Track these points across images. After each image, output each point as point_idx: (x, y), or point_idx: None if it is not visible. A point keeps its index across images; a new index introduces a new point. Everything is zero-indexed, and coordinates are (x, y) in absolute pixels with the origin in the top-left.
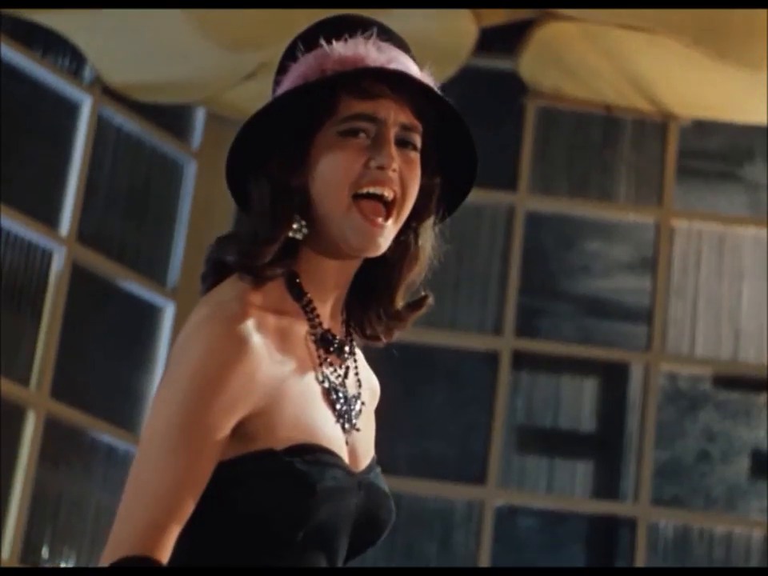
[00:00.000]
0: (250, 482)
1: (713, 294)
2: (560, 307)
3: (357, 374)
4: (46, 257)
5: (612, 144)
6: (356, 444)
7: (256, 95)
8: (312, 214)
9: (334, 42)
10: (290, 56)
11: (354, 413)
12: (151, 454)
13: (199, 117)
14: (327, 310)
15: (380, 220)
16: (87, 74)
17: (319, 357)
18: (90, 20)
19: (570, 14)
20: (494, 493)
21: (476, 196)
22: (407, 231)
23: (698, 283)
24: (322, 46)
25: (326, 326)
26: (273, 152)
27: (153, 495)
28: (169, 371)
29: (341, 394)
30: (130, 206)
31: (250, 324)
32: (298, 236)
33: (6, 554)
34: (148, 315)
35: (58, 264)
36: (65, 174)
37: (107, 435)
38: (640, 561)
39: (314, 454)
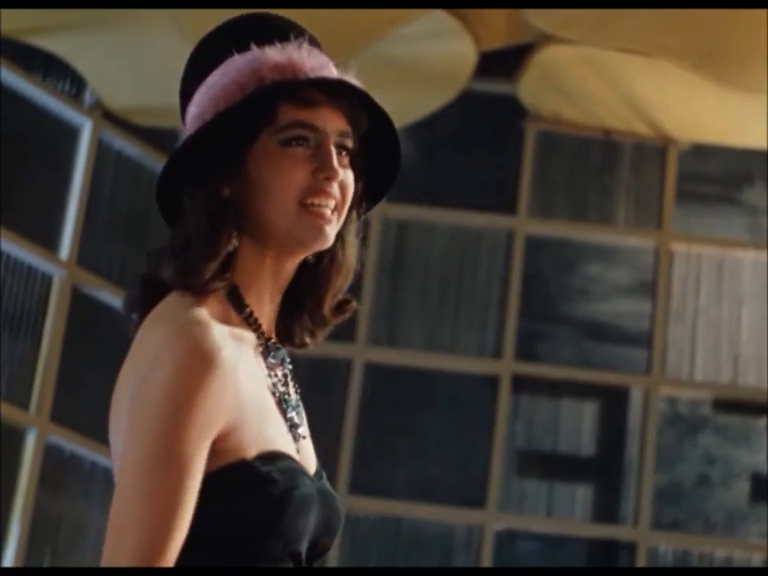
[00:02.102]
0: (226, 494)
1: (712, 318)
2: (559, 331)
3: (292, 378)
4: (46, 280)
5: (611, 168)
6: (303, 451)
7: None
8: (249, 221)
9: (265, 47)
10: (206, 58)
11: (299, 419)
12: (136, 483)
13: None
14: (265, 317)
15: (327, 213)
16: (87, 97)
17: (268, 367)
18: (90, 44)
19: (569, 38)
20: (493, 517)
21: (475, 220)
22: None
23: (698, 307)
24: (250, 49)
25: (267, 334)
26: (206, 163)
27: (145, 526)
28: (137, 397)
29: (289, 404)
30: (130, 229)
31: (215, 339)
32: (230, 248)
33: None
34: None
35: (57, 288)
36: (65, 197)
37: (106, 458)
38: None
39: (283, 461)
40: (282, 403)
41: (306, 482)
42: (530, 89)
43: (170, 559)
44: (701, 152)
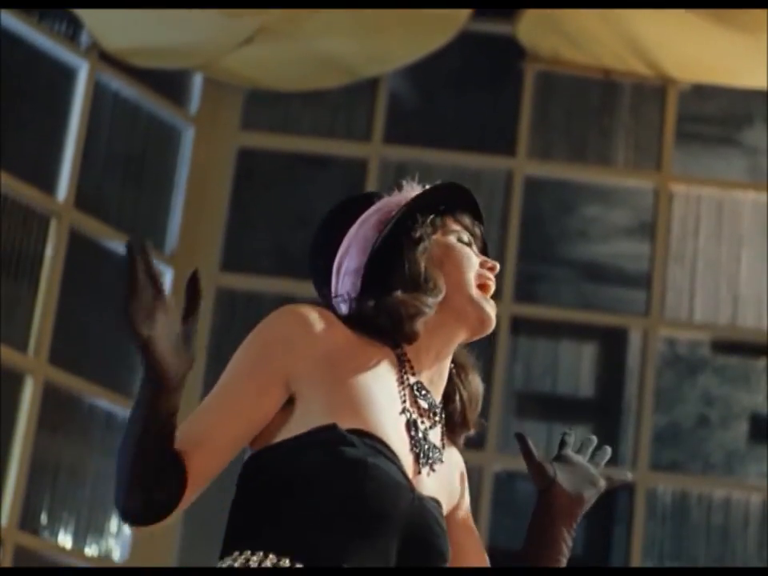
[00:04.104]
0: (307, 452)
1: (711, 259)
2: (559, 272)
3: (442, 438)
4: (44, 222)
5: (611, 109)
6: (426, 480)
7: (253, 60)
8: None
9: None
10: (346, 211)
11: (432, 452)
12: (219, 385)
13: (197, 82)
14: (424, 372)
15: (490, 308)
16: (84, 39)
17: (404, 394)
18: None
19: None
20: (492, 458)
21: (474, 161)
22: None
23: (697, 248)
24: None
25: (418, 378)
26: (410, 236)
27: (203, 417)
28: None
29: (420, 430)
30: (128, 171)
31: (314, 309)
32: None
33: (4, 520)
34: None
35: (55, 230)
36: (62, 139)
37: (105, 401)
38: (638, 526)
39: (374, 442)
40: (411, 426)
41: (392, 469)
42: (528, 29)
43: (205, 445)
44: (701, 92)
